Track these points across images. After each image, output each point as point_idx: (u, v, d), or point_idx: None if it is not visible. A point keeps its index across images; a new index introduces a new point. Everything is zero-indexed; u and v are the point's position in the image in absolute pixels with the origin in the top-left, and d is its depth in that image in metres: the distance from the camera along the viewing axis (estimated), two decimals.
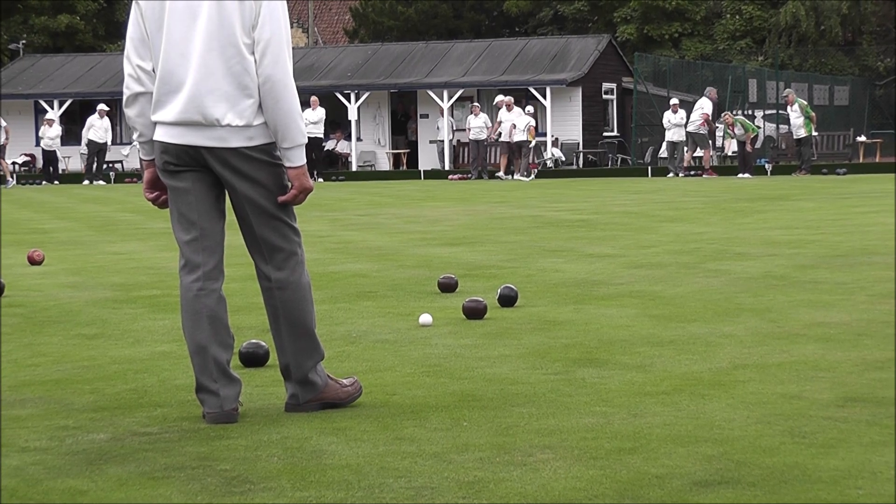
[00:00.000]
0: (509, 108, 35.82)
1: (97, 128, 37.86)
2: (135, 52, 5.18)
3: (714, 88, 35.98)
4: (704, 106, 34.74)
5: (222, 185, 5.22)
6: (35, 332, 7.94)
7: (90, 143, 38.02)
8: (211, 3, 5.06)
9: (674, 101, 36.33)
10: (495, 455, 4.47)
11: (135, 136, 5.31)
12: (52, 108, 43.82)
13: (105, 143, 38.00)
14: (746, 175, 33.09)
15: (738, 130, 33.81)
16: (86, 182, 38.12)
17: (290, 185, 5.20)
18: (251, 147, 5.13)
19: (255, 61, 5.07)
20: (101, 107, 38.53)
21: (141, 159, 5.39)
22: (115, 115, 46.52)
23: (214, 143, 5.11)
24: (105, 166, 41.33)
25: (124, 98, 5.25)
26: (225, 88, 5.07)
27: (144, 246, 14.55)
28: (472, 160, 37.15)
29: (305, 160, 5.21)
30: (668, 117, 35.62)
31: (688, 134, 34.90)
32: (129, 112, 5.25)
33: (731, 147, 35.45)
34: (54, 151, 39.62)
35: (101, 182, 38.45)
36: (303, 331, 5.27)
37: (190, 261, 5.19)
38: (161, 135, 5.17)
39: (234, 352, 5.30)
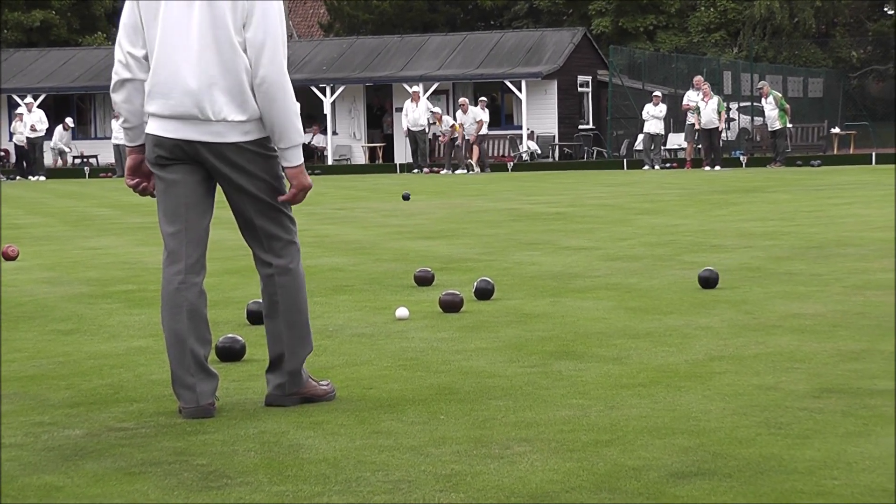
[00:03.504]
0: (464, 110, 36.30)
1: (26, 123, 38.32)
2: (126, 38, 5.17)
3: (701, 77, 35.58)
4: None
5: (212, 180, 5.22)
6: (10, 327, 7.91)
7: (27, 139, 38.55)
8: (203, 2, 5.06)
9: (657, 93, 36.02)
10: (472, 448, 4.48)
11: (120, 121, 5.30)
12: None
13: (37, 137, 38.28)
14: (717, 168, 32.73)
15: (713, 105, 32.98)
16: (30, 178, 37.99)
17: (283, 176, 5.22)
18: (247, 142, 5.13)
19: (250, 60, 5.06)
20: (28, 100, 39.60)
21: (125, 145, 5.37)
22: (88, 109, 46.38)
23: (211, 138, 5.11)
24: (82, 160, 41.09)
25: (112, 83, 5.24)
26: (221, 84, 5.06)
27: (120, 241, 14.50)
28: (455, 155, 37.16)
29: (303, 159, 5.22)
30: (649, 109, 35.23)
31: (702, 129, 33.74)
32: (116, 97, 5.24)
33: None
34: (26, 146, 39.43)
35: (41, 178, 38.11)
36: (300, 319, 5.31)
37: (173, 252, 5.18)
38: (155, 128, 5.15)
39: (211, 347, 5.30)
